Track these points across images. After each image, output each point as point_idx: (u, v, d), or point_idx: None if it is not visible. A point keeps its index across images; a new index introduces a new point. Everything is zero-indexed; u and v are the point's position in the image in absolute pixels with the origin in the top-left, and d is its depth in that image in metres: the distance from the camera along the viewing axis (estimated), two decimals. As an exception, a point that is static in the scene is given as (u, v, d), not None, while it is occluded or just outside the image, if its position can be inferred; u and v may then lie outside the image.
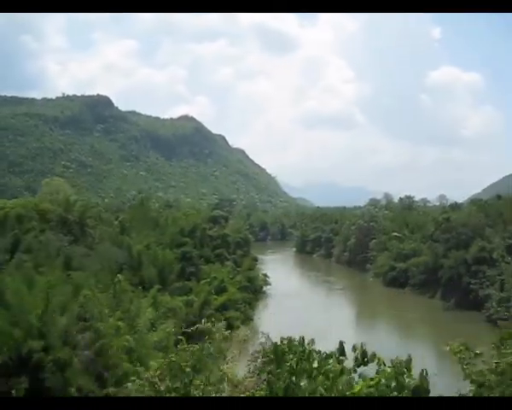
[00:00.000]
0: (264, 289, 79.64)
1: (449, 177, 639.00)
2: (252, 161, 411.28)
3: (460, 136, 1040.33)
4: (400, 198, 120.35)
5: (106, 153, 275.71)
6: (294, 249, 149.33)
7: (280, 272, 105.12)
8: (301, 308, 68.73)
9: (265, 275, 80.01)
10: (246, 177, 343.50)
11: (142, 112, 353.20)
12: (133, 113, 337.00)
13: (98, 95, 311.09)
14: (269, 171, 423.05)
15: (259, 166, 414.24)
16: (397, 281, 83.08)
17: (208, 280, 51.38)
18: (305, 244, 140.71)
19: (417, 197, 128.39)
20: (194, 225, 68.45)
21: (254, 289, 71.42)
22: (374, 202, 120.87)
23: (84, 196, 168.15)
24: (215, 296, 49.68)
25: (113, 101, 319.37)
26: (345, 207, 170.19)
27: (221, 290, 53.92)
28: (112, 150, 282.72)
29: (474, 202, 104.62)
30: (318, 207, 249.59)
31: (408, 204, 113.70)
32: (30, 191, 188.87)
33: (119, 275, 41.91)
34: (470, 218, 77.36)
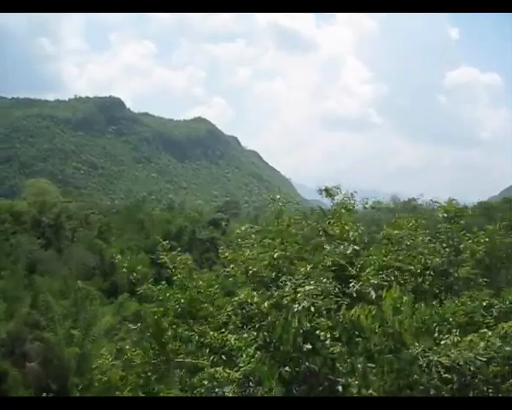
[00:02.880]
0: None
1: (467, 179, 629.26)
2: (265, 163, 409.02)
3: (479, 137, 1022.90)
4: (403, 201, 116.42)
5: (117, 154, 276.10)
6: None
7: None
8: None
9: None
10: (259, 178, 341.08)
11: (156, 113, 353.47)
12: (146, 114, 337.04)
13: (110, 96, 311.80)
14: (283, 172, 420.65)
15: (273, 168, 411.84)
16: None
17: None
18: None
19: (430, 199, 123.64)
20: (180, 227, 66.42)
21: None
22: (376, 205, 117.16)
23: (89, 198, 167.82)
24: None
25: (130, 102, 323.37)
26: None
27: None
28: (123, 152, 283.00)
29: (481, 204, 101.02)
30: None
31: (411, 207, 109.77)
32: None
33: (79, 281, 40.01)
34: (469, 222, 74.16)
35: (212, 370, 8.92)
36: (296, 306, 7.54)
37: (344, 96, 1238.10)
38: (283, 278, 9.03)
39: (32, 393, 30.71)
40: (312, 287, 7.84)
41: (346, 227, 10.32)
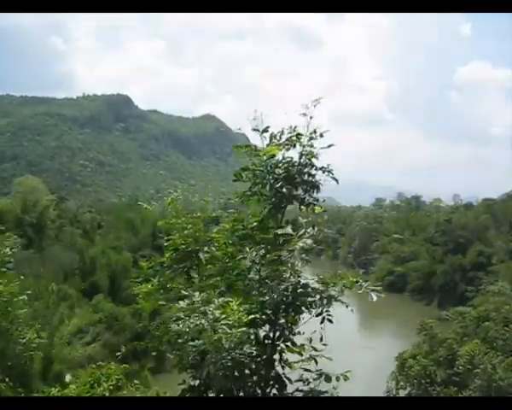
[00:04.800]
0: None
1: (480, 176, 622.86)
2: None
3: (491, 133, 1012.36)
4: (406, 198, 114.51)
5: (125, 152, 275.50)
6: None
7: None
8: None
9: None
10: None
11: (164, 111, 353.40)
12: (154, 112, 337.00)
13: (118, 94, 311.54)
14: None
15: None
16: (395, 286, 78.23)
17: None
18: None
19: (443, 197, 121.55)
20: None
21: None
22: (379, 202, 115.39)
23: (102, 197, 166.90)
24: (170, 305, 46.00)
25: (141, 101, 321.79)
26: (360, 206, 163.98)
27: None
28: (131, 149, 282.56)
29: (486, 201, 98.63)
30: (337, 206, 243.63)
31: (416, 204, 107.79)
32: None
33: (53, 283, 38.83)
34: (470, 219, 72.08)
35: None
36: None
37: (355, 93, 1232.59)
38: None
39: None
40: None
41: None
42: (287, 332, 7.90)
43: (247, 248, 7.82)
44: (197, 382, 7.64)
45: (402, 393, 32.39)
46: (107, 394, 12.12)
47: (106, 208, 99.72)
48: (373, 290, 7.27)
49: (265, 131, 7.60)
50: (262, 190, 7.89)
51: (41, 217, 52.41)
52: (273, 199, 7.73)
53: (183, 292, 7.70)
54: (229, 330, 6.64)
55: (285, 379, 7.74)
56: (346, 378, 7.48)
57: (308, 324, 7.95)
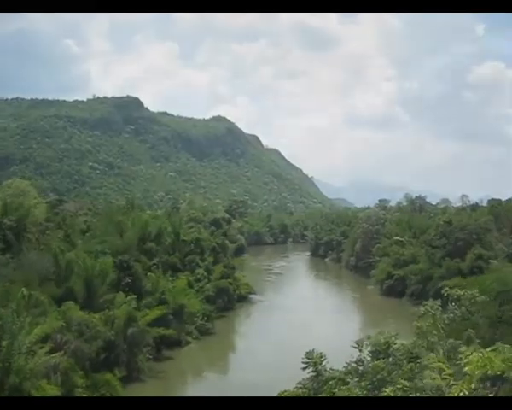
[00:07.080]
0: (251, 298, 74.58)
1: (494, 176, 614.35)
2: (287, 162, 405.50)
3: (507, 133, 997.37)
4: (411, 199, 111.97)
5: (135, 154, 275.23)
6: (309, 253, 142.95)
7: (279, 280, 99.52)
8: (279, 324, 62.86)
9: (247, 284, 74.50)
10: (279, 177, 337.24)
11: (177, 113, 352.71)
12: (164, 113, 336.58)
13: (128, 96, 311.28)
14: (306, 171, 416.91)
15: (295, 167, 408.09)
16: (394, 290, 76.09)
17: (134, 295, 45.89)
18: (319, 247, 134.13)
19: (452, 197, 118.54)
20: (159, 228, 63.56)
21: (228, 300, 65.84)
22: (382, 203, 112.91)
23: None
24: (147, 311, 44.55)
25: (153, 103, 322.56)
26: (369, 208, 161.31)
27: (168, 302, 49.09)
28: (141, 151, 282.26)
29: (492, 202, 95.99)
30: (346, 207, 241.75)
31: (419, 206, 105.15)
32: (56, 193, 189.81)
33: (24, 288, 37.47)
34: (471, 221, 69.63)
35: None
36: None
37: (368, 94, 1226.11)
38: None
39: None
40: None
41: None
42: None
43: None
44: None
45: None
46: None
47: (105, 211, 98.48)
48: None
49: None
50: None
51: (21, 220, 51.26)
52: None
53: None
54: None
55: None
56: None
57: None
